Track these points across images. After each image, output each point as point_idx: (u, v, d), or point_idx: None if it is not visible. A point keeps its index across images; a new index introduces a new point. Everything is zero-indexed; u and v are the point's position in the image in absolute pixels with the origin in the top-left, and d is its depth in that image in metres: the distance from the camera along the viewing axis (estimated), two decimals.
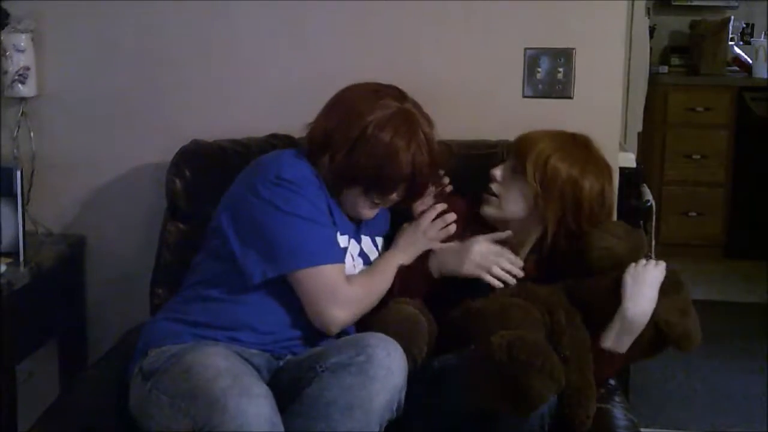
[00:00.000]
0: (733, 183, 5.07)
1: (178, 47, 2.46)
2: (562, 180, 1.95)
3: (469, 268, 1.91)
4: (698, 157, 5.04)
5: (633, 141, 3.94)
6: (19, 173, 2.29)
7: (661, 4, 5.35)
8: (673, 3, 5.38)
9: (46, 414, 1.86)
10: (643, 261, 1.86)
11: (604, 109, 2.38)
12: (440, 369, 1.79)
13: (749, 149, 4.98)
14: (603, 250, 1.89)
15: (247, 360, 1.78)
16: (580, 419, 1.74)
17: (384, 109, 1.89)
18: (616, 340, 1.83)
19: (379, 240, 2.06)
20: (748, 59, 5.23)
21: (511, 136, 2.28)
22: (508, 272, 1.90)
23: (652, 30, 4.78)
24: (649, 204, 2.53)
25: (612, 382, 1.95)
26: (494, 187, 2.02)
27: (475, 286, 1.90)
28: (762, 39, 5.22)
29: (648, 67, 4.41)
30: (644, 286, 1.81)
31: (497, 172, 2.02)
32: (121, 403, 1.83)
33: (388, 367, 1.67)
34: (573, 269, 1.91)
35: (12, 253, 2.27)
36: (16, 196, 2.28)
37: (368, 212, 1.97)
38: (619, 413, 1.86)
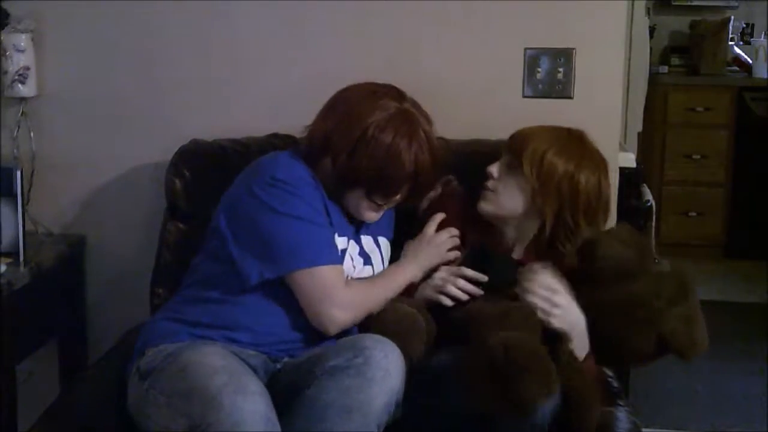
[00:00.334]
0: (733, 183, 5.07)
1: (178, 47, 2.46)
2: (559, 175, 1.95)
3: (428, 293, 1.93)
4: (698, 157, 5.04)
5: (633, 141, 3.95)
6: (19, 173, 2.29)
7: (661, 4, 5.36)
8: (673, 3, 5.38)
9: (46, 414, 1.85)
10: (530, 278, 1.85)
11: (604, 109, 2.38)
12: (438, 369, 1.79)
13: (749, 149, 4.98)
14: (610, 259, 1.87)
15: (244, 360, 1.78)
16: (586, 422, 1.73)
17: (383, 110, 1.89)
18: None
19: (382, 240, 2.06)
20: (748, 59, 5.23)
21: None
22: (466, 291, 1.90)
23: (652, 30, 4.79)
24: (649, 204, 2.52)
25: (615, 384, 1.95)
26: (490, 183, 2.02)
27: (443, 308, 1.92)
28: (762, 39, 5.22)
29: (648, 67, 4.41)
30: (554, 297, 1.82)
31: (493, 169, 2.03)
32: (120, 402, 1.83)
33: (385, 368, 1.67)
34: (579, 274, 1.89)
35: (12, 253, 2.27)
36: (16, 196, 2.28)
37: (372, 214, 1.97)
38: (622, 416, 1.86)
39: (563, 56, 2.38)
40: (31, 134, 2.50)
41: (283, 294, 1.85)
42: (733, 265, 4.94)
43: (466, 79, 2.40)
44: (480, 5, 2.37)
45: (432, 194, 2.13)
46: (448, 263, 2.00)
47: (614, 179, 2.26)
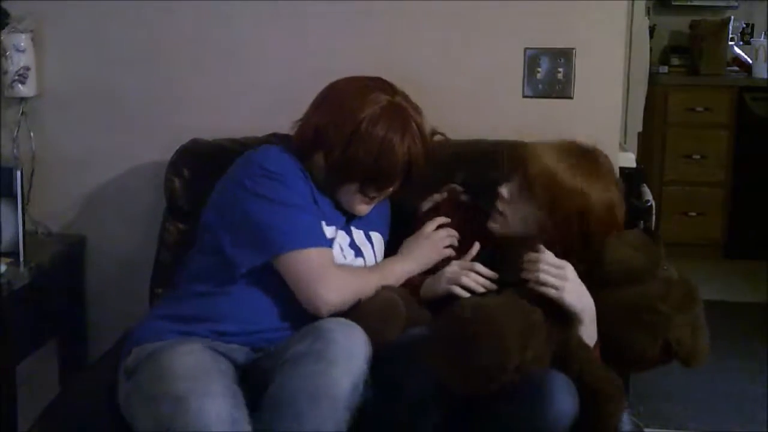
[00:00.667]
0: (733, 183, 5.06)
1: (177, 47, 2.46)
2: (570, 209, 1.90)
3: (441, 286, 1.92)
4: (698, 157, 5.04)
5: (633, 141, 3.95)
6: (19, 173, 2.30)
7: (661, 4, 5.36)
8: (673, 3, 5.38)
9: (44, 414, 1.85)
10: (535, 258, 1.80)
11: (604, 109, 2.38)
12: (406, 344, 1.74)
13: (749, 149, 4.98)
14: (619, 263, 1.86)
15: (224, 355, 1.78)
16: (610, 413, 1.68)
17: (375, 104, 1.90)
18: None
19: (374, 235, 2.06)
20: (748, 59, 5.22)
21: (511, 136, 2.29)
22: (480, 283, 1.89)
23: (652, 30, 4.79)
24: (649, 204, 2.52)
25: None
26: (500, 205, 1.98)
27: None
28: (762, 39, 5.22)
29: (648, 67, 4.41)
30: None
31: (504, 191, 1.98)
32: (118, 402, 1.83)
33: (348, 349, 1.65)
34: (587, 276, 1.86)
35: (12, 253, 2.28)
36: (16, 196, 2.29)
37: (363, 208, 1.98)
38: (624, 417, 1.85)
39: (563, 56, 2.38)
40: (31, 134, 2.50)
41: (271, 283, 1.85)
42: (733, 265, 4.93)
43: (466, 79, 2.40)
44: (480, 5, 2.37)
45: (437, 197, 2.13)
46: (446, 261, 1.99)
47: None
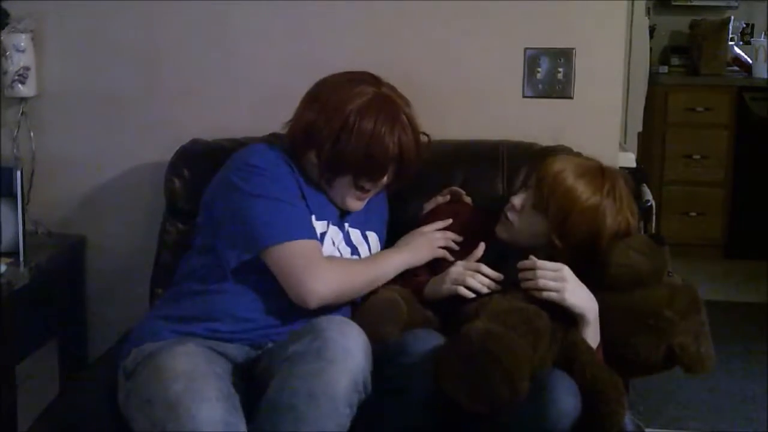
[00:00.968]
0: (733, 183, 5.06)
1: (178, 47, 2.46)
2: (582, 229, 1.89)
3: (446, 287, 1.91)
4: (698, 157, 5.04)
5: (633, 141, 3.95)
6: (19, 173, 2.29)
7: (661, 4, 5.36)
8: (673, 3, 5.38)
9: (44, 414, 1.86)
10: (531, 263, 1.81)
11: (604, 109, 2.38)
12: (411, 349, 1.73)
13: (749, 149, 4.98)
14: (625, 267, 1.86)
15: (222, 354, 1.78)
16: (612, 413, 1.68)
17: (361, 97, 1.91)
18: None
19: (371, 234, 2.06)
20: (748, 59, 5.23)
21: (511, 136, 2.29)
22: (485, 285, 1.88)
23: (652, 30, 4.78)
24: (649, 204, 2.52)
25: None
26: (511, 215, 1.97)
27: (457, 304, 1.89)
28: (762, 39, 5.22)
29: (648, 67, 4.41)
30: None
31: (517, 201, 1.96)
32: (117, 402, 1.83)
33: (345, 347, 1.64)
34: (592, 279, 1.86)
35: (12, 253, 2.28)
36: (16, 196, 2.29)
37: (356, 203, 1.99)
38: (626, 417, 1.85)
39: (563, 56, 2.37)
40: (31, 134, 2.50)
41: (262, 278, 1.85)
42: (733, 265, 4.93)
43: (466, 79, 2.40)
44: (480, 5, 2.37)
45: (439, 199, 2.13)
46: (443, 261, 1.99)
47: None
